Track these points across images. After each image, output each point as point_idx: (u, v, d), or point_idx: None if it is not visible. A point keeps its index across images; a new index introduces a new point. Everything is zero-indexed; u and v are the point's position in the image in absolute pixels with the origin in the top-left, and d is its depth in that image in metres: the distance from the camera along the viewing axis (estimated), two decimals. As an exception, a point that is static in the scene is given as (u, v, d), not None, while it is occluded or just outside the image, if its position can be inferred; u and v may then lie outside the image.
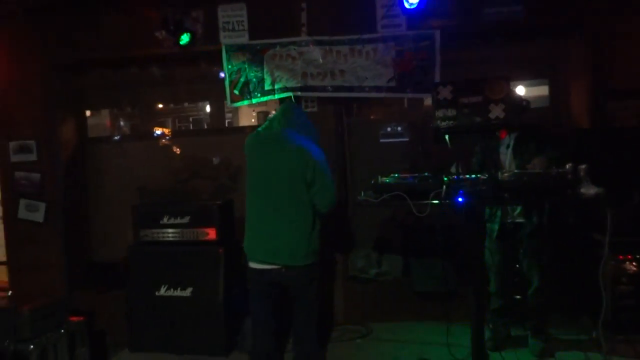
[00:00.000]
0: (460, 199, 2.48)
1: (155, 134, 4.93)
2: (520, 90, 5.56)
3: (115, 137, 5.05)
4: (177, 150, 4.84)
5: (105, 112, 7.08)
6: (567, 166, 2.43)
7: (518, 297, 3.35)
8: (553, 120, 4.07)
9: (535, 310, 3.21)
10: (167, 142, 4.86)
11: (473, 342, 2.65)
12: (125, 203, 4.26)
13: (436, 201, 2.51)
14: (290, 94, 3.91)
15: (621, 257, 3.21)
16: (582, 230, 3.36)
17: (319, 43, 3.84)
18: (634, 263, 3.21)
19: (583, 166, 2.42)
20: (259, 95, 4.00)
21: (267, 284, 2.81)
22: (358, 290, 4.02)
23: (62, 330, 3.44)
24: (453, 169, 2.79)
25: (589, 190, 2.37)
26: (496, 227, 3.19)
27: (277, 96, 3.99)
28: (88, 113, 5.08)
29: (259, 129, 2.93)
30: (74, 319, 3.67)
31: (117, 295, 3.93)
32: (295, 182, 2.73)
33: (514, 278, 3.30)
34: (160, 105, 7.39)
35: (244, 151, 2.89)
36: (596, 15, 3.65)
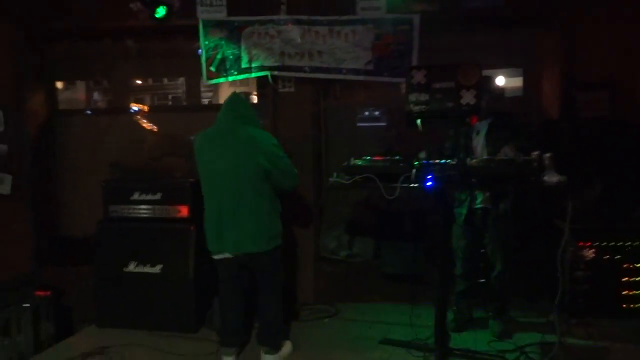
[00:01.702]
0: (429, 183, 2.53)
1: (130, 110, 4.83)
2: (500, 79, 5.62)
3: (87, 111, 4.93)
4: (152, 127, 4.76)
5: (81, 86, 6.86)
6: (533, 154, 2.50)
7: (482, 280, 3.45)
8: (525, 109, 4.15)
9: (498, 294, 3.30)
10: (141, 118, 4.77)
11: (436, 323, 2.74)
12: (97, 178, 4.17)
13: (406, 184, 2.56)
14: (267, 72, 3.88)
15: (580, 243, 3.33)
16: (545, 216, 3.47)
17: (298, 22, 3.80)
18: (592, 250, 3.33)
19: (548, 154, 2.49)
20: (235, 72, 3.95)
21: (234, 268, 2.92)
22: (328, 271, 4.07)
23: (27, 305, 3.40)
24: (422, 154, 2.83)
25: (552, 178, 2.45)
26: (464, 211, 3.25)
27: (254, 74, 3.94)
28: (60, 85, 4.93)
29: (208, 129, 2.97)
30: (40, 293, 3.63)
31: (86, 271, 3.87)
32: (250, 171, 2.78)
33: (478, 262, 3.38)
34: (139, 82, 7.20)
35: (194, 151, 2.93)
36: (569, 8, 3.71)
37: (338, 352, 3.13)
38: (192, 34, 3.96)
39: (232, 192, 2.78)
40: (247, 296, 3.06)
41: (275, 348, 3.01)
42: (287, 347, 3.11)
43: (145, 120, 4.76)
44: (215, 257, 2.93)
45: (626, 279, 3.33)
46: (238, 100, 2.97)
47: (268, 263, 2.91)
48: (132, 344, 3.29)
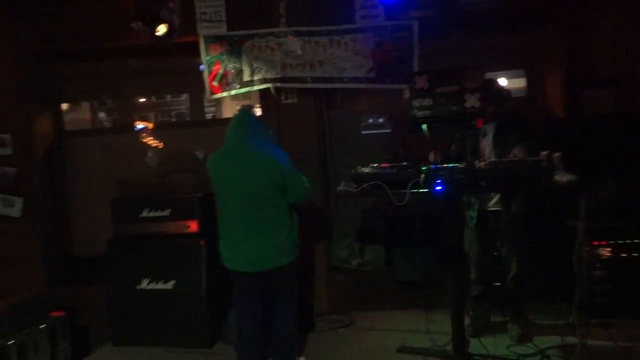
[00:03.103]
0: (438, 188, 2.51)
1: (136, 128, 4.86)
2: (502, 81, 5.63)
3: (93, 130, 4.96)
4: (158, 144, 4.78)
5: (85, 106, 6.95)
6: (542, 154, 2.48)
7: (497, 283, 3.41)
8: (530, 110, 4.12)
9: (514, 296, 3.26)
10: (146, 135, 4.80)
11: (453, 328, 2.71)
12: (106, 197, 4.19)
13: (415, 190, 2.55)
14: (269, 85, 3.89)
15: (596, 242, 3.28)
16: (558, 216, 3.42)
17: (298, 34, 3.82)
18: (608, 249, 3.27)
19: (557, 154, 2.48)
20: (238, 86, 3.97)
21: (250, 279, 2.87)
22: (341, 280, 4.04)
23: (43, 326, 3.40)
24: (431, 157, 2.82)
25: (562, 177, 2.43)
26: (474, 215, 3.23)
27: (256, 87, 3.96)
28: (65, 106, 4.98)
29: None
30: (55, 314, 3.62)
31: (99, 289, 3.87)
32: (267, 188, 2.75)
33: (493, 265, 3.35)
34: (143, 100, 7.29)
35: (208, 170, 2.90)
36: (570, 6, 3.71)
37: (355, 363, 3.10)
38: (194, 50, 3.99)
39: (251, 209, 2.74)
40: (264, 309, 3.02)
41: (290, 364, 2.99)
42: (301, 363, 3.08)
43: (150, 137, 4.79)
44: (233, 269, 2.88)
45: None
46: (247, 116, 2.92)
47: (285, 275, 2.88)
48: (147, 362, 3.29)
